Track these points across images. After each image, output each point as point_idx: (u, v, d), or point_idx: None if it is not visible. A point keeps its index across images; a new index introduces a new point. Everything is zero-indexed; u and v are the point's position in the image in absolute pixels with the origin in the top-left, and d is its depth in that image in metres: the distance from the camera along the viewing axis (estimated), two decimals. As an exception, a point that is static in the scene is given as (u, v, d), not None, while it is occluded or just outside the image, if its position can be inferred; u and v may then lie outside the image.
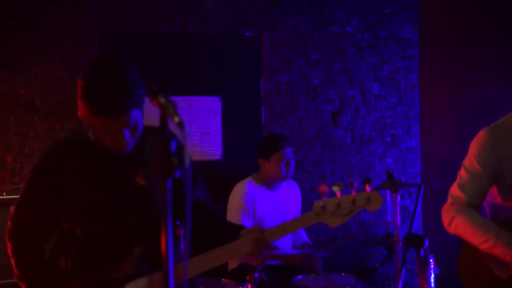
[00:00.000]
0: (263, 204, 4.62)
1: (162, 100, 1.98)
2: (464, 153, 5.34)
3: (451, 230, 2.87)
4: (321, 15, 5.49)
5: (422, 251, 4.12)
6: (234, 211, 4.55)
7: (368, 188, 2.36)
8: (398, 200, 4.31)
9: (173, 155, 1.95)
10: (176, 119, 1.98)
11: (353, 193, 2.38)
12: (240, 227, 2.62)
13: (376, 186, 4.85)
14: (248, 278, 3.57)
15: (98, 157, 2.51)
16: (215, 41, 5.22)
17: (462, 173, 2.89)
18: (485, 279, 2.83)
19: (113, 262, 2.46)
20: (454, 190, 2.89)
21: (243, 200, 4.56)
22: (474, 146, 2.88)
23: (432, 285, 4.17)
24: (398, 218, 4.27)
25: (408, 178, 5.57)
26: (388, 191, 4.63)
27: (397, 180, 4.38)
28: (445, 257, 4.61)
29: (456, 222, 2.83)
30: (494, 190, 2.87)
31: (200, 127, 5.14)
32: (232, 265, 4.52)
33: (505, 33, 5.40)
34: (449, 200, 2.90)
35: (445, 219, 2.88)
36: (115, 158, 2.52)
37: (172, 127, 1.92)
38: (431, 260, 4.13)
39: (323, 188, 2.45)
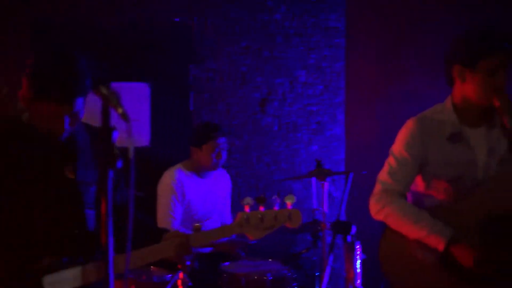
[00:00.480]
0: (192, 191, 4.62)
1: (105, 91, 1.96)
2: (387, 141, 5.48)
3: (380, 217, 2.95)
4: (250, 2, 5.50)
5: (349, 237, 4.24)
6: (165, 198, 4.53)
7: (289, 205, 2.54)
8: (326, 187, 4.41)
9: (115, 146, 1.94)
10: (120, 110, 1.96)
11: (275, 208, 2.52)
12: (163, 231, 2.66)
13: (304, 174, 4.94)
14: (180, 266, 3.58)
15: (30, 141, 2.48)
16: (144, 28, 5.15)
17: (390, 160, 2.98)
18: (408, 265, 2.93)
19: (32, 253, 2.43)
20: (383, 177, 2.97)
21: (174, 186, 4.54)
22: (402, 135, 2.97)
23: (358, 270, 4.30)
24: (325, 205, 4.37)
25: (333, 165, 5.67)
26: (314, 178, 4.71)
27: (324, 168, 4.48)
28: (370, 243, 4.74)
29: (387, 211, 2.91)
30: (418, 178, 2.97)
31: (128, 114, 5.07)
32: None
33: (431, 22, 5.57)
34: (378, 187, 2.97)
35: (374, 207, 2.96)
36: (48, 145, 2.49)
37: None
38: (357, 246, 4.25)
39: (247, 200, 2.56)
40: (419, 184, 2.98)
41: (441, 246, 2.78)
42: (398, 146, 2.97)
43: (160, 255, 2.55)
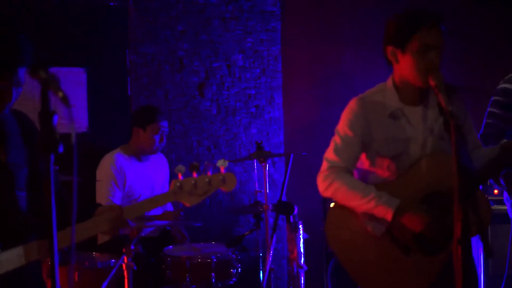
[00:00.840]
0: (132, 175, 4.60)
1: (44, 75, 1.93)
2: (325, 122, 5.56)
3: (329, 194, 3.02)
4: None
5: (291, 218, 4.30)
6: (104, 183, 4.50)
7: (223, 169, 2.48)
8: (267, 169, 4.45)
9: (55, 130, 1.91)
10: (60, 94, 1.93)
11: (209, 173, 2.48)
12: (97, 205, 2.63)
13: (246, 156, 4.97)
14: (124, 250, 3.57)
15: None
16: (80, 11, 5.05)
17: (336, 139, 3.04)
18: (356, 239, 3.00)
19: None
20: (330, 155, 3.04)
21: (113, 171, 4.51)
22: (345, 114, 3.04)
23: (301, 250, 4.36)
24: (267, 187, 4.41)
25: (272, 148, 5.72)
26: (255, 161, 4.74)
27: (265, 150, 4.52)
28: (311, 223, 4.81)
29: (334, 186, 2.98)
30: (363, 156, 3.05)
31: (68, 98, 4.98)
32: (103, 238, 4.47)
33: (366, 5, 5.66)
34: (325, 165, 3.04)
35: (322, 184, 3.02)
36: None
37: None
38: (300, 226, 4.32)
39: (180, 168, 2.53)
40: (364, 161, 3.05)
41: (389, 216, 2.87)
42: (342, 125, 3.04)
43: (95, 230, 2.49)
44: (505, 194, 3.94)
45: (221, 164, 2.48)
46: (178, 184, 2.46)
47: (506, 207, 3.98)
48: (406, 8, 2.96)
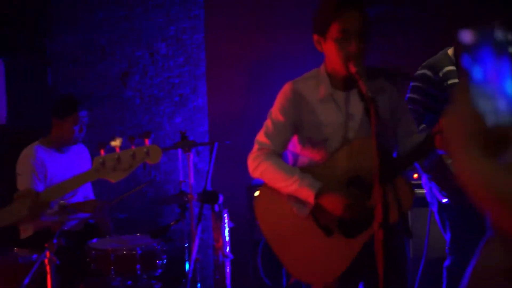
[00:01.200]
0: (53, 167, 4.51)
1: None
2: (249, 110, 5.57)
3: (257, 174, 3.07)
4: (106, -27, 5.38)
5: (216, 207, 4.30)
6: (25, 177, 4.39)
7: (147, 141, 2.40)
8: (191, 159, 4.43)
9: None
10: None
11: (133, 147, 2.40)
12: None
13: (170, 146, 4.93)
14: (46, 245, 3.49)
15: None
16: (-3, 0, 4.90)
17: (268, 122, 3.08)
18: (284, 221, 3.06)
19: None
20: (261, 137, 3.08)
21: (33, 164, 4.41)
22: (279, 98, 3.08)
23: (227, 238, 4.38)
24: (192, 176, 4.40)
25: (197, 137, 5.70)
26: (180, 150, 4.72)
27: (189, 140, 4.50)
28: (236, 212, 4.83)
29: (263, 167, 3.02)
30: (295, 139, 3.09)
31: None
32: (26, 233, 4.37)
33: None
34: (256, 147, 3.09)
35: (251, 164, 3.07)
36: None
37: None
38: (225, 215, 4.33)
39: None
40: (296, 144, 3.10)
41: (311, 198, 2.92)
42: (275, 109, 3.08)
43: (13, 216, 2.40)
44: (424, 178, 4.06)
45: (146, 136, 2.41)
46: (100, 160, 2.36)
47: (425, 191, 4.10)
48: None
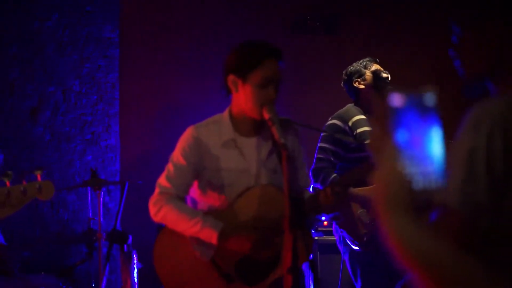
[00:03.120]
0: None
1: None
2: (162, 151, 5.55)
3: (159, 218, 3.03)
4: (18, 9, 5.29)
5: (125, 247, 4.25)
6: None
7: (39, 177, 2.37)
8: (102, 197, 4.37)
9: None
10: None
11: (24, 182, 2.36)
12: None
13: (80, 183, 4.85)
14: None
15: None
16: None
17: (169, 166, 3.06)
18: (182, 264, 3.02)
19: None
20: (162, 181, 3.05)
21: None
22: (181, 142, 3.07)
23: (135, 279, 4.32)
24: (101, 215, 4.33)
25: (108, 176, 5.63)
26: (89, 188, 4.65)
27: (100, 178, 4.44)
28: (145, 252, 4.77)
29: (165, 211, 2.99)
30: (195, 184, 3.09)
31: None
32: None
33: (203, 32, 5.78)
34: (157, 190, 3.05)
35: (153, 209, 3.03)
36: None
37: None
38: (134, 256, 4.27)
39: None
40: (195, 189, 3.09)
41: (214, 239, 2.90)
42: (176, 153, 3.07)
43: None
44: (334, 226, 4.14)
45: (38, 171, 2.35)
46: None
47: (335, 239, 4.17)
48: (249, 39, 3.04)
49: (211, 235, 2.91)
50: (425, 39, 5.27)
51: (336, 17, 5.89)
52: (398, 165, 1.26)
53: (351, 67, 4.23)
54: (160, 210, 3.01)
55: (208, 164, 3.02)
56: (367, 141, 3.84)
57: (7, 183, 2.32)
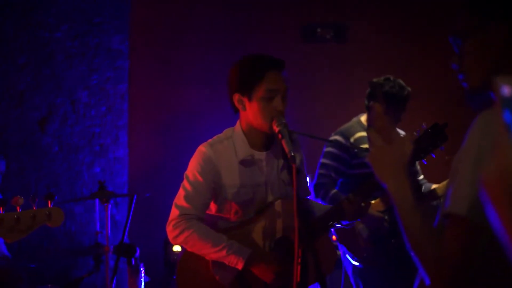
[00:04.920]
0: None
1: None
2: (170, 163, 5.53)
3: (179, 242, 2.98)
4: (30, 18, 5.29)
5: (133, 260, 4.21)
6: None
7: (50, 203, 2.36)
8: (109, 210, 4.33)
9: None
10: None
11: (35, 208, 2.35)
12: None
13: (88, 195, 4.82)
14: None
15: None
16: None
17: (186, 185, 3.00)
18: (204, 287, 3.00)
19: None
20: (180, 201, 2.99)
21: None
22: (195, 160, 3.00)
23: (143, 293, 4.27)
24: (109, 228, 4.30)
25: (116, 188, 5.60)
26: (97, 200, 4.61)
27: (108, 190, 4.40)
28: (153, 265, 4.74)
29: (186, 234, 2.94)
30: (212, 202, 3.04)
31: None
32: None
33: (213, 50, 5.76)
34: (176, 212, 2.98)
35: (173, 232, 2.96)
36: None
37: None
38: (141, 269, 4.23)
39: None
40: (212, 206, 3.03)
41: (240, 265, 2.87)
42: (192, 171, 2.99)
43: None
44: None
45: (49, 198, 2.33)
46: None
47: (340, 253, 4.15)
48: (248, 55, 3.00)
49: (237, 262, 2.88)
50: (434, 46, 5.23)
51: (345, 26, 5.86)
52: None
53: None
54: (181, 234, 2.95)
55: (225, 181, 2.97)
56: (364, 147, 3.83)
57: (17, 208, 2.30)
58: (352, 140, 4.03)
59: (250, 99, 2.89)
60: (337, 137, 4.07)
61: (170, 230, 2.98)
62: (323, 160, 4.06)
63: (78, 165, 5.52)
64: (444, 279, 1.52)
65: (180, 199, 2.99)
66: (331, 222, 2.97)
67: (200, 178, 2.96)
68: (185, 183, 3.00)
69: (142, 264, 4.30)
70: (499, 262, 1.44)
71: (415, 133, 3.08)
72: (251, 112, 2.91)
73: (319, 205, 3.21)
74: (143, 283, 4.29)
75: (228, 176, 2.97)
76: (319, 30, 5.81)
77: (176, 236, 2.96)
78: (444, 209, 1.54)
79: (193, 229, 2.94)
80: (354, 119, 4.17)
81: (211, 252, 2.91)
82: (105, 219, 4.29)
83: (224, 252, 2.88)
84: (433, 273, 1.53)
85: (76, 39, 5.52)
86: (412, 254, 1.56)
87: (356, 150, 3.98)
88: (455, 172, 1.55)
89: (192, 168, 3.00)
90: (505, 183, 1.14)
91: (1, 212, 2.29)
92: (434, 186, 4.11)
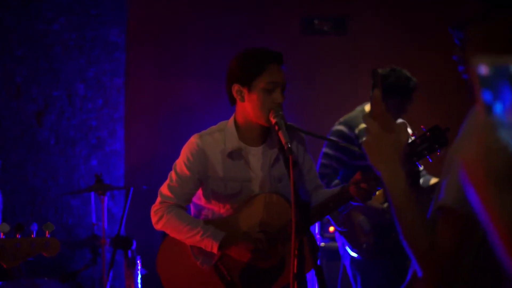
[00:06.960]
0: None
1: None
2: (167, 156, 5.53)
3: (159, 227, 3.05)
4: (27, 10, 5.28)
5: (129, 252, 4.21)
6: None
7: (47, 233, 2.52)
8: (105, 202, 4.35)
9: None
10: None
11: (33, 236, 2.48)
12: None
13: (84, 188, 4.83)
14: None
15: None
16: None
17: (172, 175, 3.04)
18: (185, 273, 3.04)
19: None
20: (164, 190, 3.05)
21: None
22: (184, 151, 3.04)
23: (139, 285, 4.28)
24: (105, 220, 4.31)
25: (113, 181, 5.60)
26: (93, 193, 4.62)
27: (104, 183, 4.42)
28: (150, 258, 4.74)
29: (165, 220, 3.00)
30: (199, 192, 3.07)
31: None
32: None
33: (211, 41, 5.75)
34: (159, 199, 3.06)
35: (154, 217, 3.04)
36: None
37: None
38: (138, 262, 4.24)
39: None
40: (200, 197, 3.07)
41: (215, 248, 2.92)
42: (180, 162, 3.04)
43: None
44: (336, 232, 4.11)
45: (47, 228, 2.45)
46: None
47: (338, 245, 4.15)
48: (248, 47, 3.02)
49: (212, 245, 2.92)
50: (436, 38, 5.21)
51: (345, 18, 5.85)
52: (494, 137, 1.14)
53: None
54: (161, 219, 3.02)
55: (212, 173, 3.01)
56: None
57: (17, 235, 2.41)
58: (356, 131, 3.99)
59: (250, 90, 2.91)
60: (341, 127, 4.04)
61: (152, 215, 3.07)
62: (325, 150, 4.04)
63: (75, 158, 5.52)
64: (435, 271, 1.52)
65: (164, 187, 3.07)
66: (337, 206, 2.95)
67: (186, 170, 3.01)
68: (172, 172, 3.07)
69: (138, 257, 4.30)
70: (491, 255, 1.44)
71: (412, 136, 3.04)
72: (249, 104, 2.93)
73: (325, 192, 3.19)
74: (139, 276, 4.29)
75: (216, 168, 3.01)
76: (316, 21, 5.79)
77: (157, 222, 3.05)
78: (437, 201, 1.54)
79: (171, 214, 3.01)
80: (358, 108, 4.14)
81: (188, 236, 2.97)
82: (102, 212, 4.31)
83: (198, 236, 2.94)
84: (424, 264, 1.53)
85: (74, 31, 5.51)
86: (404, 244, 1.56)
87: (360, 141, 3.94)
88: (449, 165, 1.55)
89: (181, 159, 3.05)
90: (485, 164, 1.14)
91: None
92: (433, 180, 4.11)
